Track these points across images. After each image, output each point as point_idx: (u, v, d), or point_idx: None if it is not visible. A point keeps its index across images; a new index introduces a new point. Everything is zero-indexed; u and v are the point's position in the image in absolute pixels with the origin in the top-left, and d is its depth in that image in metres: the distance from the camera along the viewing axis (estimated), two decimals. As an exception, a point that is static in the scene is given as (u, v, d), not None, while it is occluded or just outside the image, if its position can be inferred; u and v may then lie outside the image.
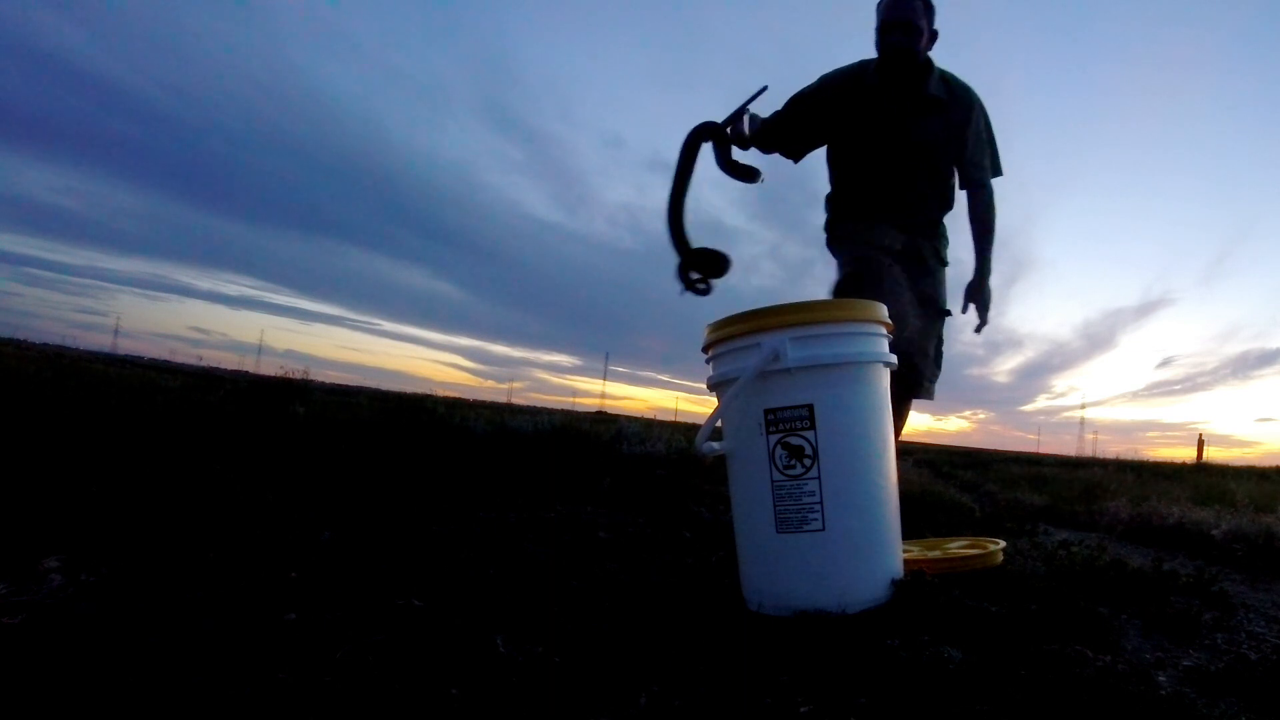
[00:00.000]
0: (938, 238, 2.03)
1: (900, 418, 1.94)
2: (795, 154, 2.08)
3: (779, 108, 2.05)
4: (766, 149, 2.04)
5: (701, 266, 1.48)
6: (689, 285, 1.50)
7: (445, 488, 2.11)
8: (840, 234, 2.06)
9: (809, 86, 2.03)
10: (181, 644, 0.80)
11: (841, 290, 1.96)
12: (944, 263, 2.05)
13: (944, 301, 2.03)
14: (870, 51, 1.95)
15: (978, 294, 1.97)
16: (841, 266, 2.02)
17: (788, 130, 2.02)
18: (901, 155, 1.94)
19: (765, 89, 1.58)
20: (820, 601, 1.12)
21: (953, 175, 2.02)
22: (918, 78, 1.90)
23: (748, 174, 1.52)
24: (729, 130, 1.74)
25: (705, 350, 1.31)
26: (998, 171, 2.01)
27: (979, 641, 1.01)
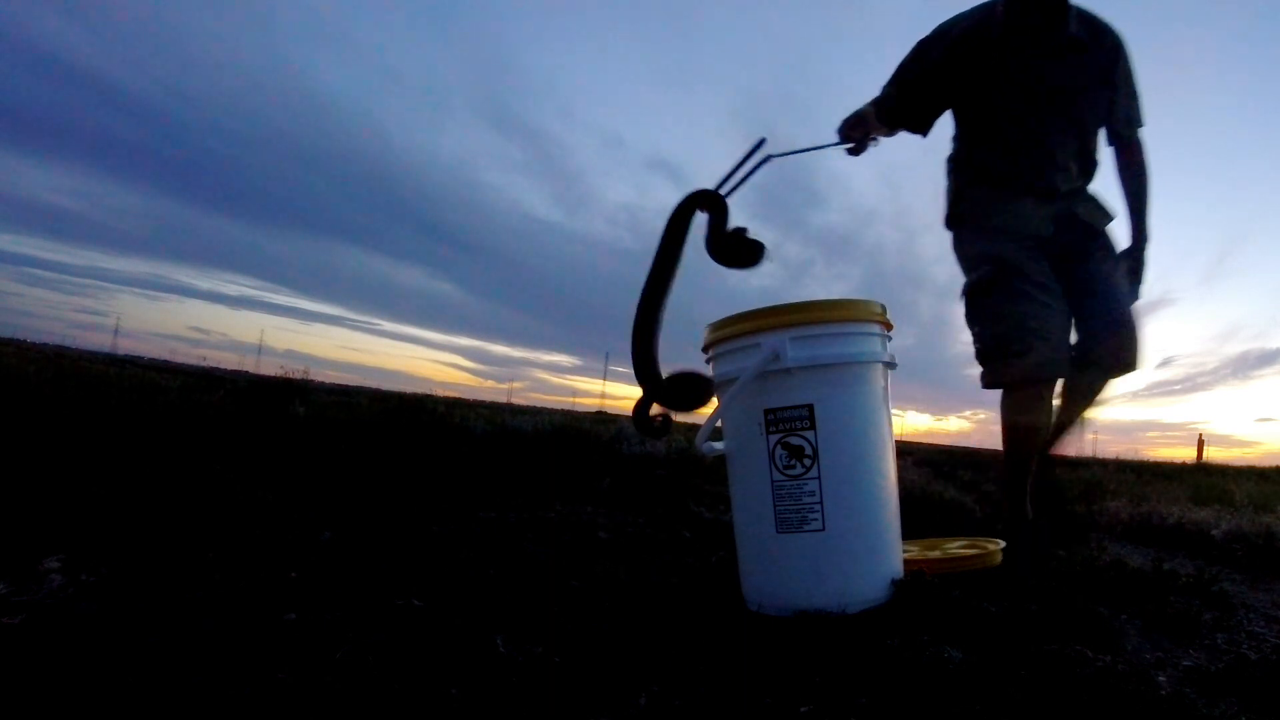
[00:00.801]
0: (1092, 200, 1.75)
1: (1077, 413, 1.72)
2: (922, 126, 1.80)
3: (892, 77, 1.76)
4: (891, 128, 1.77)
5: (672, 400, 1.13)
6: (643, 425, 1.14)
7: (445, 488, 2.10)
8: (970, 211, 1.76)
9: (926, 40, 1.74)
10: (181, 644, 0.80)
11: (971, 296, 1.71)
12: (1110, 215, 1.75)
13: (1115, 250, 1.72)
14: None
15: (1132, 264, 1.73)
16: (970, 263, 1.74)
17: (911, 100, 1.74)
18: (1040, 110, 1.65)
19: (764, 142, 1.21)
20: (820, 601, 1.12)
21: (1098, 131, 1.74)
22: (1054, 16, 1.60)
23: (751, 253, 1.12)
24: (726, 195, 1.24)
25: (705, 350, 1.31)
26: (1142, 121, 1.74)
27: (979, 641, 1.01)
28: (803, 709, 0.78)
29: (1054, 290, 1.65)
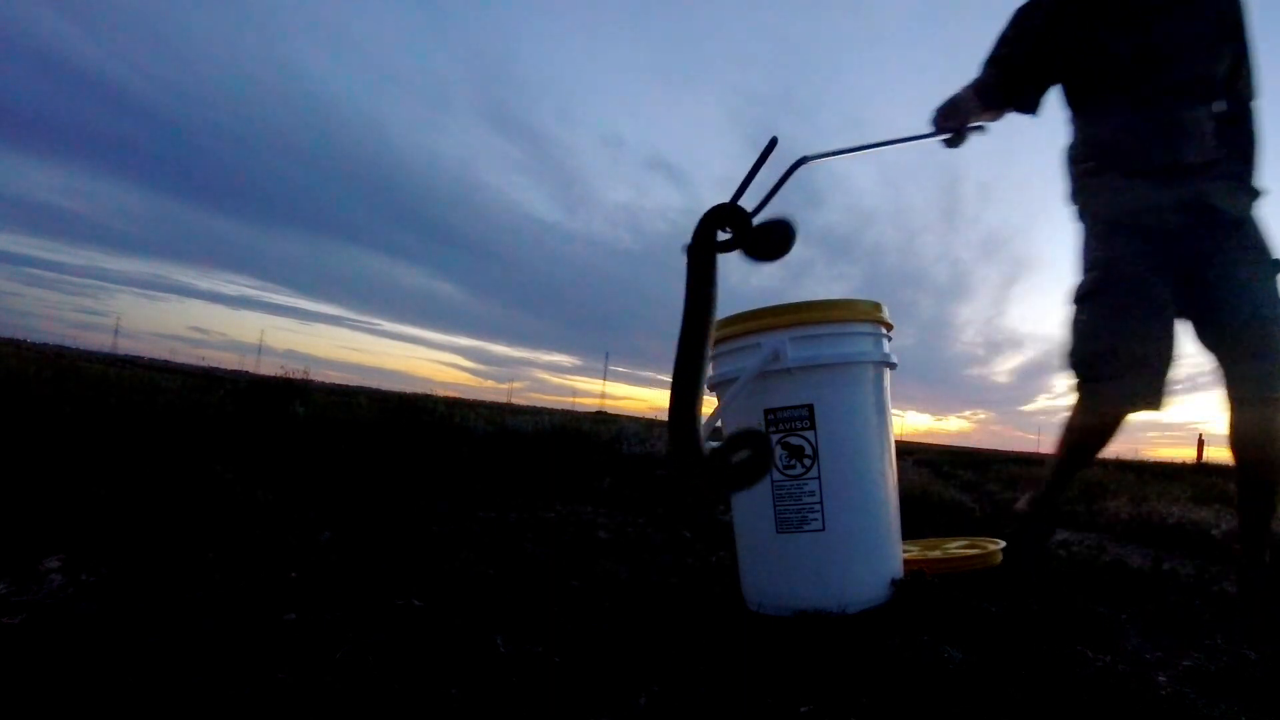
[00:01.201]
0: (1231, 179, 1.46)
1: (1243, 438, 1.45)
2: (1031, 105, 1.60)
3: (990, 53, 1.58)
4: (996, 111, 1.58)
5: (722, 480, 0.91)
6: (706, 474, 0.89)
7: (445, 488, 2.11)
8: (1087, 204, 1.56)
9: (1024, 6, 1.56)
10: (181, 644, 0.80)
11: (1077, 302, 1.54)
12: (1255, 194, 1.48)
13: (1272, 251, 1.44)
14: None
15: None
16: (1083, 265, 1.55)
17: (1015, 75, 1.56)
18: (1162, 69, 1.45)
19: (775, 141, 0.98)
20: (820, 601, 1.12)
21: (1225, 92, 1.49)
22: None
23: (781, 240, 0.94)
24: (744, 203, 1.02)
25: (705, 350, 1.31)
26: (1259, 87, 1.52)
27: (979, 641, 1.01)
28: (803, 709, 0.78)
29: (1164, 309, 1.46)
